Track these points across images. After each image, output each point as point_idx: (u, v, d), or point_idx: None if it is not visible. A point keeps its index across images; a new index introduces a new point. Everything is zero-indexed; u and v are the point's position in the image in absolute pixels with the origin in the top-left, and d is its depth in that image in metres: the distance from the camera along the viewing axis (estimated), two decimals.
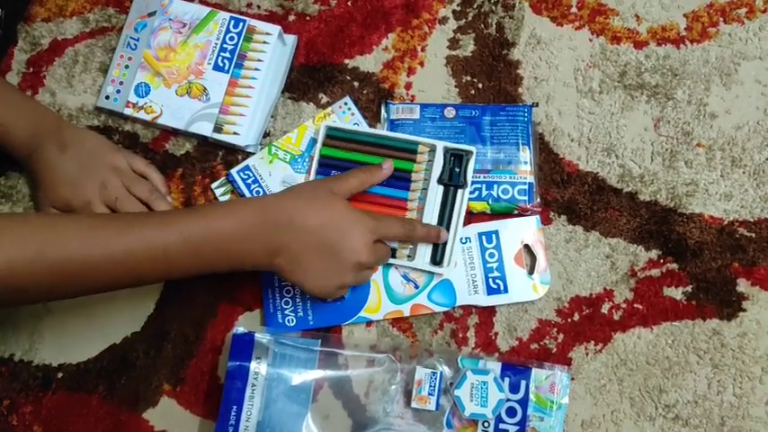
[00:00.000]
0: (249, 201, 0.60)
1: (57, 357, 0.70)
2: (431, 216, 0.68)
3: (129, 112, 0.72)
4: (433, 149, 0.68)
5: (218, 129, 0.71)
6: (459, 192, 0.68)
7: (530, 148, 0.70)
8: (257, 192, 0.70)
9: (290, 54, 0.73)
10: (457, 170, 0.68)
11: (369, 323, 0.69)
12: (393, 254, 0.67)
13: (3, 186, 0.73)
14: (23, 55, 0.75)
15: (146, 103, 0.72)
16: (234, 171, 0.70)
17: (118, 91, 0.73)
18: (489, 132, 0.70)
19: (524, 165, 0.69)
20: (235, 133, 0.70)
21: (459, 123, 0.71)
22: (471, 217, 0.70)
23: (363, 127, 0.71)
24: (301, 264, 0.59)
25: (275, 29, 0.72)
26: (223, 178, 0.71)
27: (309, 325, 0.68)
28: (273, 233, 0.58)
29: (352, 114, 0.72)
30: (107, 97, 0.73)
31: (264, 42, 0.72)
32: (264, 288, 0.69)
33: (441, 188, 0.68)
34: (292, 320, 0.68)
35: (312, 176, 0.69)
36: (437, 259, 0.67)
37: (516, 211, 0.69)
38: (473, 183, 0.69)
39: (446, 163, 0.68)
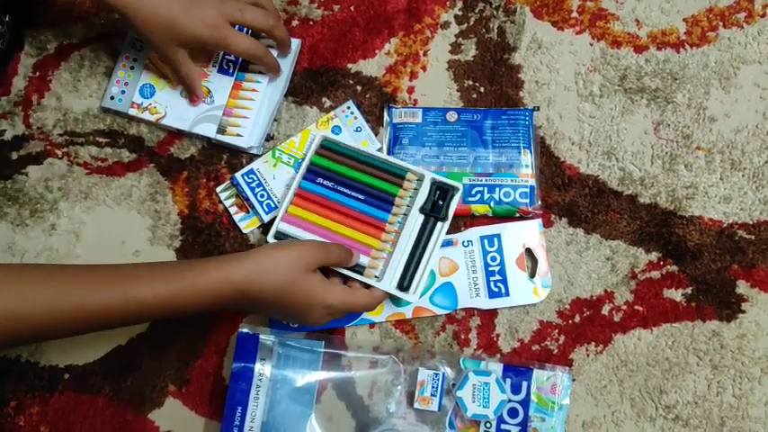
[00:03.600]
0: (219, 273, 0.58)
1: (63, 359, 0.70)
2: (406, 242, 0.67)
3: (133, 112, 0.72)
4: (421, 179, 0.68)
5: (221, 130, 0.71)
6: (439, 224, 0.68)
7: (531, 152, 0.70)
8: (261, 195, 0.71)
9: (293, 58, 0.74)
10: (440, 203, 0.68)
11: (371, 325, 0.70)
12: (361, 272, 0.66)
13: (9, 189, 0.73)
14: (30, 59, 0.76)
15: (150, 104, 0.73)
16: (238, 175, 0.71)
17: (123, 92, 0.73)
18: (491, 136, 0.71)
19: (526, 168, 0.70)
20: (238, 135, 0.71)
21: (461, 127, 0.71)
22: (473, 220, 0.70)
23: (358, 146, 0.70)
24: (270, 314, 0.66)
25: None
26: (227, 182, 0.72)
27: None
28: (238, 301, 0.59)
29: (355, 118, 0.72)
30: (112, 98, 0.73)
31: (268, 46, 0.72)
32: None
33: (421, 217, 0.68)
34: None
35: (297, 180, 0.69)
36: (404, 285, 0.66)
37: (518, 214, 0.70)
38: (475, 186, 0.70)
39: (431, 194, 0.68)
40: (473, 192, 0.70)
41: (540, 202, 0.70)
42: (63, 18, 0.77)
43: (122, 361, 0.70)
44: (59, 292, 0.54)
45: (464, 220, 0.71)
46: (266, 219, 0.71)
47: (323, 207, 0.68)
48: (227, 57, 0.73)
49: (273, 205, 0.71)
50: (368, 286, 0.65)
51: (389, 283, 0.66)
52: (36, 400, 0.70)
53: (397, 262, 0.67)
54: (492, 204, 0.70)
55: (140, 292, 0.55)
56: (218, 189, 0.72)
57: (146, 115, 0.72)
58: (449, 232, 0.70)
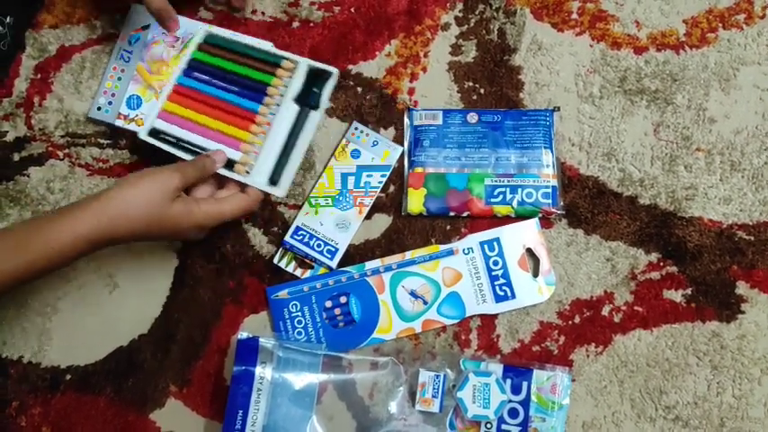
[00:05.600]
0: (71, 232, 0.57)
1: (65, 359, 0.71)
2: (278, 132, 0.66)
3: (119, 123, 0.72)
4: (295, 66, 0.67)
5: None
6: (312, 113, 0.66)
7: (552, 152, 0.70)
8: (318, 245, 0.69)
9: (330, 89, 0.71)
10: (315, 90, 0.66)
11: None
12: (231, 167, 0.65)
13: (11, 191, 0.74)
14: (31, 61, 0.76)
15: (137, 116, 0.72)
16: (287, 238, 0.70)
17: (110, 102, 0.73)
18: (512, 137, 0.71)
19: (547, 168, 0.70)
20: (246, 172, 0.69)
21: (481, 128, 0.71)
22: (473, 224, 0.71)
23: (240, 37, 0.70)
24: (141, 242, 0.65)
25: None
26: (280, 250, 0.71)
27: (323, 350, 0.68)
28: (98, 249, 0.59)
29: (367, 135, 0.72)
30: (99, 108, 0.73)
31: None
32: (276, 321, 0.69)
33: (296, 107, 0.67)
34: None
35: (175, 76, 0.69)
36: (274, 179, 0.65)
37: (540, 215, 0.70)
38: (497, 187, 0.70)
39: (306, 81, 0.67)
40: (495, 193, 0.70)
41: (562, 203, 0.70)
42: (64, 20, 0.77)
43: (124, 361, 0.70)
44: None
45: (465, 221, 0.71)
46: (334, 265, 0.70)
47: (197, 102, 0.68)
48: None
49: (334, 249, 0.70)
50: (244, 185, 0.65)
51: (260, 178, 0.65)
52: (38, 401, 0.70)
53: (267, 155, 0.65)
54: (514, 205, 0.70)
55: None
56: (275, 260, 0.70)
57: (132, 126, 0.72)
58: (448, 241, 0.70)
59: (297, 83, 0.67)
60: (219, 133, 0.67)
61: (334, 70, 0.67)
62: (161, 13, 0.68)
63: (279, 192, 0.65)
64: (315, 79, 0.67)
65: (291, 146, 0.65)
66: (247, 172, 0.65)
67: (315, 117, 0.66)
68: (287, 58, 0.68)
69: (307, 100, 0.66)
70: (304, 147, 0.66)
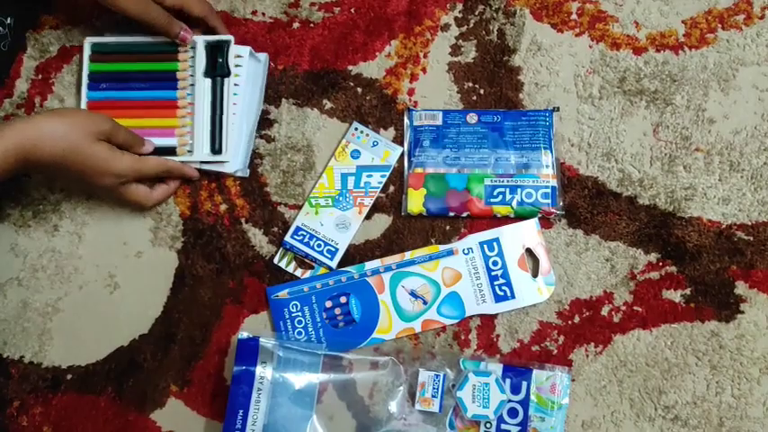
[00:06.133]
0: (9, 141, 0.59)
1: (65, 359, 0.71)
2: (202, 109, 0.71)
3: None
4: (193, 46, 0.72)
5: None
6: (226, 80, 0.71)
7: (552, 152, 0.71)
8: (318, 245, 0.70)
9: (263, 75, 0.74)
10: (220, 60, 0.71)
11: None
12: (174, 152, 0.70)
13: (12, 190, 0.74)
14: (32, 62, 0.76)
15: None
16: (287, 238, 0.70)
17: None
18: (512, 137, 0.71)
19: (546, 168, 0.70)
20: (188, 152, 0.71)
21: (481, 129, 0.72)
22: (473, 224, 0.71)
23: (125, 38, 0.73)
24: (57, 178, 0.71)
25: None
26: (280, 250, 0.71)
27: (323, 350, 0.68)
28: (19, 167, 0.60)
29: (367, 135, 0.72)
30: None
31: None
32: (276, 321, 0.70)
33: (208, 81, 0.71)
34: None
35: (84, 93, 0.72)
36: (216, 148, 0.70)
37: (540, 215, 0.70)
38: (496, 187, 0.70)
39: (208, 56, 0.71)
40: (495, 193, 0.70)
41: (561, 203, 0.70)
42: (65, 20, 0.77)
43: (124, 361, 0.71)
44: None
45: (465, 221, 0.71)
46: (334, 265, 0.70)
47: (115, 109, 0.71)
48: None
49: (334, 249, 0.70)
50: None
51: (202, 152, 0.71)
52: (39, 401, 0.70)
53: (201, 131, 0.71)
54: (514, 205, 0.70)
55: None
56: (275, 260, 0.71)
57: None
58: (447, 241, 0.70)
59: (201, 60, 0.71)
60: (148, 129, 0.71)
61: (230, 37, 0.71)
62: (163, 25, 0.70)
63: (226, 157, 0.70)
64: (215, 50, 0.71)
65: (220, 115, 0.71)
66: (189, 151, 0.71)
67: (228, 82, 0.71)
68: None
69: (215, 71, 0.71)
70: (228, 110, 0.71)
